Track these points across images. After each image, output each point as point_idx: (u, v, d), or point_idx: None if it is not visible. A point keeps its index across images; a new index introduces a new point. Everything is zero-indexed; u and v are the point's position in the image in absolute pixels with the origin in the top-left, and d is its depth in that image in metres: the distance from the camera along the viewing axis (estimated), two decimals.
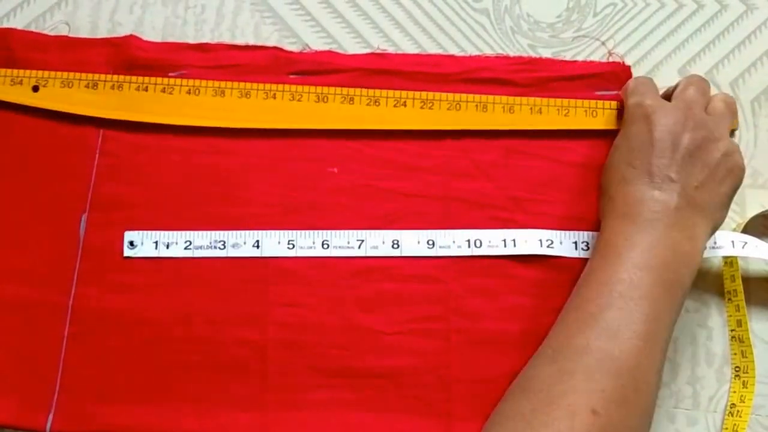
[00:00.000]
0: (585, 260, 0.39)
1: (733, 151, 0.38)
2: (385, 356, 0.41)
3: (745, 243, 0.41)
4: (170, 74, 0.44)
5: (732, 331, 0.41)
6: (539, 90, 0.44)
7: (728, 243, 0.41)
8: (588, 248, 0.42)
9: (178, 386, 0.40)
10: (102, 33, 0.46)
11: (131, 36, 0.45)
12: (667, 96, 0.41)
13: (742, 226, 0.42)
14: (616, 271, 0.36)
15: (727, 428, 0.40)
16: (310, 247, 0.42)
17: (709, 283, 0.42)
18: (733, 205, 0.43)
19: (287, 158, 0.44)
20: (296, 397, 0.40)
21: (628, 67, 0.44)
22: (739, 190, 0.43)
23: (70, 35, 0.46)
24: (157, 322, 0.41)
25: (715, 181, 0.38)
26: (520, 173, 0.43)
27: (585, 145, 0.44)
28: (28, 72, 0.44)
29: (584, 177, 0.43)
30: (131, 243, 0.42)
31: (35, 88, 0.44)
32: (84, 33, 0.46)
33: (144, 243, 0.42)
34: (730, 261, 0.42)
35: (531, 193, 0.43)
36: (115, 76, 0.44)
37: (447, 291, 0.42)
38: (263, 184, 0.43)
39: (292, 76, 0.44)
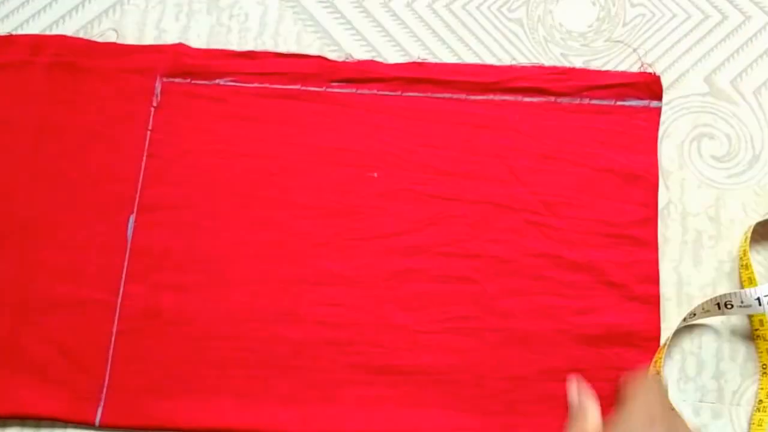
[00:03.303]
0: None
1: None
2: (422, 354, 0.42)
3: None
4: (218, 81, 0.45)
5: (756, 330, 0.43)
6: (573, 98, 0.45)
7: None
8: None
9: (221, 381, 0.42)
10: (148, 40, 0.47)
11: (179, 44, 0.47)
12: None
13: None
14: None
15: (754, 423, 0.42)
16: None
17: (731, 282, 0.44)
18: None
19: (329, 163, 0.45)
20: (335, 393, 0.42)
21: (658, 78, 0.46)
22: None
23: (118, 42, 0.47)
24: (202, 319, 0.43)
25: None
26: (553, 178, 0.45)
27: (612, 151, 0.45)
28: None
29: (612, 181, 0.45)
30: None
31: None
32: (131, 40, 0.47)
33: None
34: (745, 263, 0.43)
35: (563, 198, 0.44)
36: None
37: (481, 291, 0.43)
38: (305, 187, 0.45)
39: (334, 84, 0.45)
